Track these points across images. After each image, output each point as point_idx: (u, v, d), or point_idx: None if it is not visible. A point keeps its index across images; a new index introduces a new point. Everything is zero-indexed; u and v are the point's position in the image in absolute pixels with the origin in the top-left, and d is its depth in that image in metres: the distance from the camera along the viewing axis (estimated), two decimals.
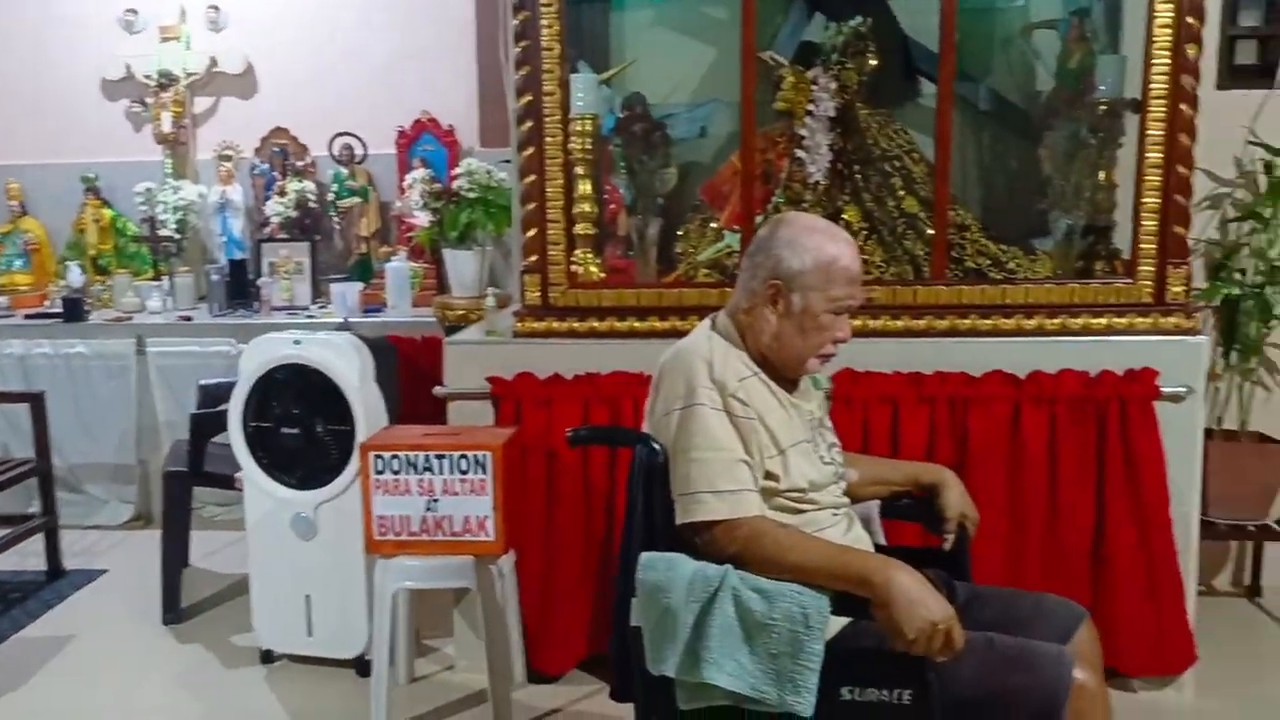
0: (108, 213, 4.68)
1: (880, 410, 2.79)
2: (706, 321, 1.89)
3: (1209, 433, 3.26)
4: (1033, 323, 2.75)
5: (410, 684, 2.92)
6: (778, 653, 1.62)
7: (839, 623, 1.71)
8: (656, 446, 1.77)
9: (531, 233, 2.87)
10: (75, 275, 4.41)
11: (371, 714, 2.62)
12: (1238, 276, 3.19)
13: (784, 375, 1.85)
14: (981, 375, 2.75)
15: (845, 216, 3.03)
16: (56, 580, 3.82)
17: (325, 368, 2.78)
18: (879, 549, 2.06)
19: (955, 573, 2.01)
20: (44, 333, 4.26)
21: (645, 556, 1.72)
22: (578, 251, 3.00)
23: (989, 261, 2.94)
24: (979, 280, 2.84)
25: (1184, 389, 2.68)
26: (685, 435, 1.72)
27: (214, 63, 4.59)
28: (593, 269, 3.02)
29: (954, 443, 2.79)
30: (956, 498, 2.01)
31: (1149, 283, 2.71)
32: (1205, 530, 3.17)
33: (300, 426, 2.82)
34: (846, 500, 1.92)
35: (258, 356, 2.85)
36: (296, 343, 2.83)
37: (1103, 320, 2.73)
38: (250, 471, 2.88)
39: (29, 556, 3.83)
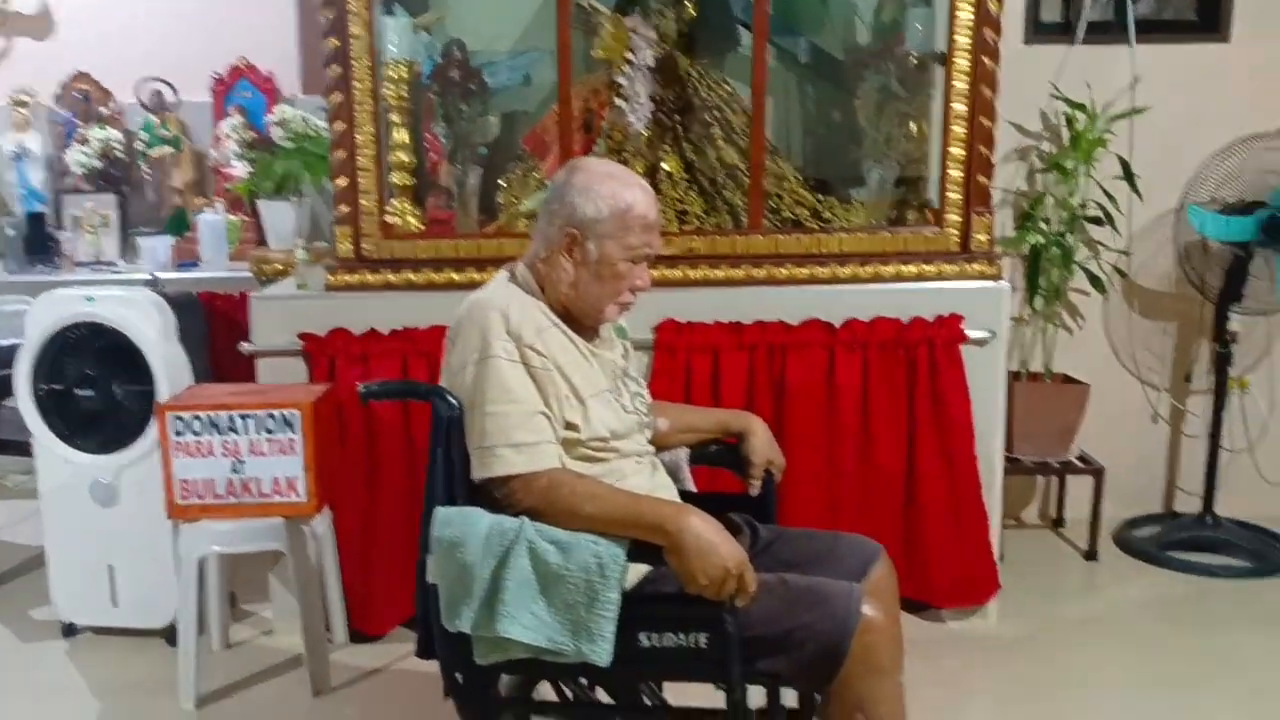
0: None
1: (701, 359, 2.82)
2: (504, 272, 1.86)
3: (1015, 375, 3.42)
4: (847, 271, 2.81)
5: (226, 650, 2.82)
6: (574, 603, 1.61)
7: (639, 571, 1.72)
8: (453, 400, 1.73)
9: (343, 182, 2.76)
10: None
11: (180, 683, 2.52)
12: (1043, 225, 3.32)
13: (584, 324, 1.83)
14: (799, 323, 2.80)
15: (666, 166, 3.03)
16: None
17: (121, 326, 2.63)
18: (688, 496, 2.08)
19: (762, 516, 2.04)
20: None
21: (440, 512, 1.69)
22: (395, 202, 2.92)
23: (807, 211, 2.98)
24: (796, 230, 2.88)
25: (987, 333, 2.79)
26: (481, 388, 1.69)
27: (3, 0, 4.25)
28: (411, 220, 2.93)
29: (772, 389, 2.84)
30: (763, 444, 2.04)
31: (955, 231, 2.80)
32: (1012, 467, 3.34)
33: (96, 388, 2.67)
34: (650, 449, 1.92)
35: (46, 315, 2.67)
36: (89, 300, 2.66)
37: (913, 268, 2.81)
38: (41, 436, 2.71)
39: None
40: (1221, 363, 3.31)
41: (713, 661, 1.65)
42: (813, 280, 2.81)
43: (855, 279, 2.81)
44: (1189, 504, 3.55)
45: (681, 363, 2.82)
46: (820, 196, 3.04)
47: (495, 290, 1.79)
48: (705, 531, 1.58)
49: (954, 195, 2.76)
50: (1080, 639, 2.88)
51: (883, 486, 2.88)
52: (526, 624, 1.62)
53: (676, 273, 2.82)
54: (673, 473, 2.10)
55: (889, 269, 2.81)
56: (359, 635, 2.86)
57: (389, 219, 2.88)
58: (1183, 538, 3.40)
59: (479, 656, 1.68)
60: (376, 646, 2.83)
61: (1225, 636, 2.87)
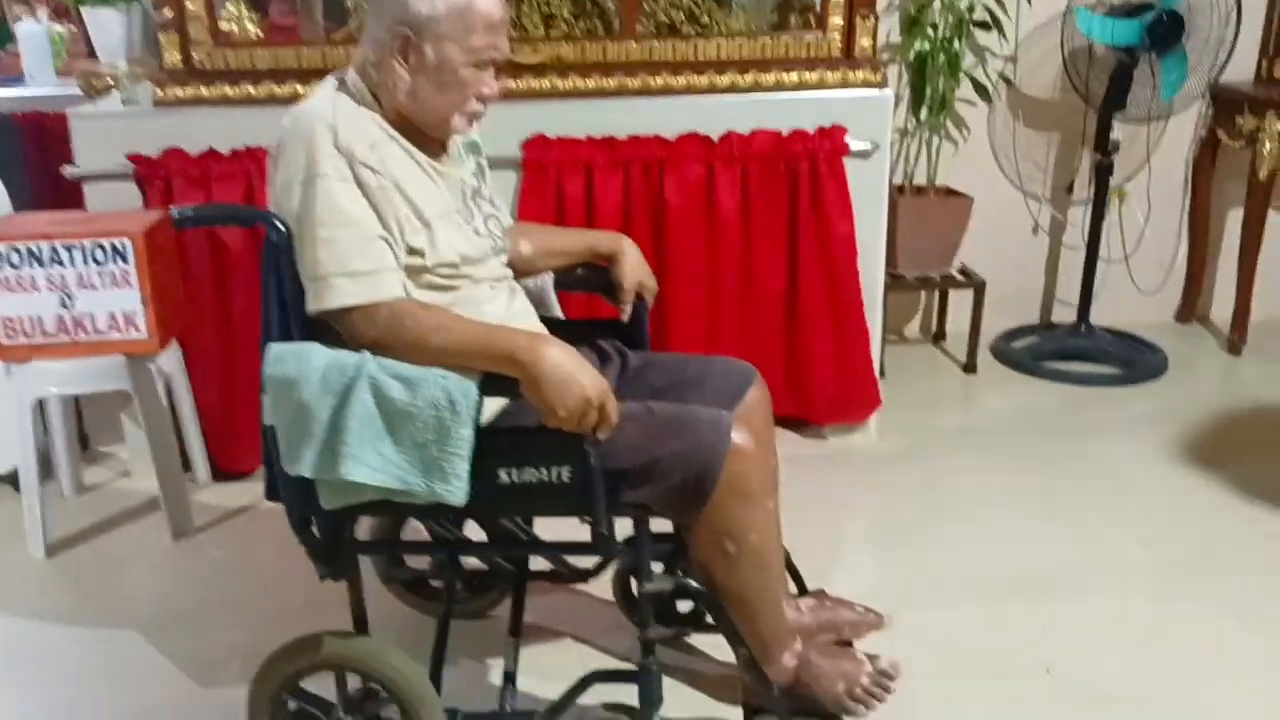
0: None
1: (573, 177, 2.66)
2: (331, 79, 1.65)
3: (900, 188, 3.35)
4: (725, 80, 2.66)
5: (80, 494, 2.69)
6: (424, 441, 1.51)
7: (496, 404, 1.62)
8: (281, 225, 1.56)
9: None
10: None
11: (27, 530, 2.38)
12: (929, 32, 3.18)
13: (428, 138, 1.66)
14: (676, 137, 2.65)
15: None
16: None
17: None
18: (555, 323, 1.97)
19: (633, 342, 1.95)
20: None
21: (273, 349, 1.54)
22: (230, 6, 2.62)
23: (683, 16, 2.77)
24: (672, 36, 2.69)
25: (870, 145, 2.69)
26: (310, 211, 1.51)
27: None
28: (249, 25, 2.65)
29: (651, 208, 2.71)
30: (633, 266, 1.92)
31: (838, 36, 2.65)
32: (894, 283, 3.30)
33: None
34: (508, 273, 1.79)
35: None
36: None
37: (794, 76, 2.66)
38: None
39: None
40: (1103, 173, 3.28)
41: (576, 495, 1.58)
42: (689, 90, 2.65)
43: (734, 89, 2.65)
44: (1067, 315, 3.58)
45: (552, 181, 2.66)
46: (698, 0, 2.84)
47: (321, 100, 1.59)
48: (562, 361, 1.47)
49: None
50: (957, 450, 2.92)
51: (764, 305, 2.82)
52: (373, 465, 1.51)
53: (544, 83, 2.63)
54: (538, 299, 1.98)
55: (769, 77, 2.66)
56: (224, 474, 2.74)
57: (224, 25, 2.60)
58: (1058, 348, 3.45)
59: (325, 501, 1.57)
60: (242, 485, 2.72)
61: (1093, 442, 2.94)
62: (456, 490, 1.52)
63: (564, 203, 2.67)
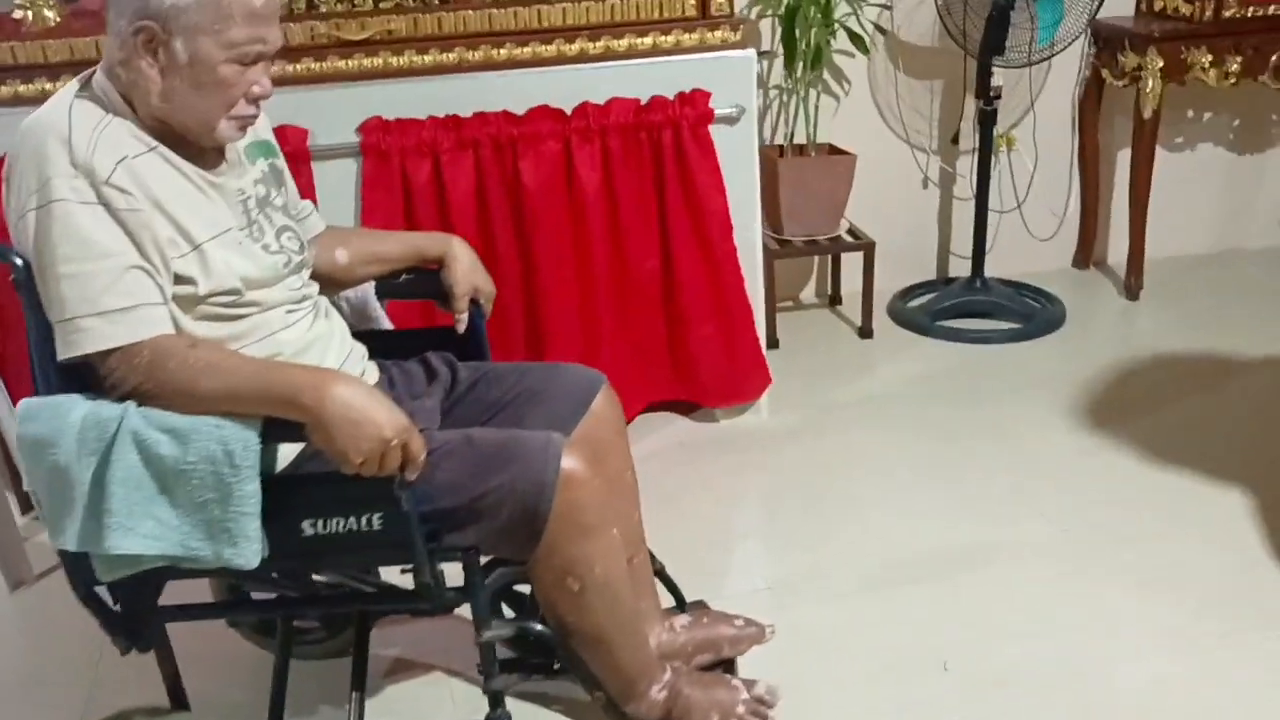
0: None
1: (419, 163, 2.44)
2: (74, 83, 1.41)
3: (780, 150, 3.18)
4: (574, 48, 2.45)
5: None
6: (204, 501, 1.31)
7: (291, 450, 1.42)
8: (19, 260, 1.34)
9: None
10: None
11: None
12: None
13: (199, 146, 1.44)
14: (526, 112, 2.44)
15: None
16: None
17: None
18: (381, 336, 1.78)
19: (471, 353, 1.76)
20: None
21: (24, 405, 1.33)
22: None
23: None
24: (512, 3, 2.47)
25: (736, 108, 2.51)
26: (48, 244, 1.29)
27: None
28: (47, 13, 2.37)
29: (508, 192, 2.50)
30: (466, 270, 1.73)
31: None
32: (781, 249, 3.15)
33: None
34: (312, 291, 1.58)
35: None
36: None
37: (648, 40, 2.46)
38: None
39: None
40: (987, 120, 3.14)
41: (392, 544, 1.40)
42: (536, 61, 2.44)
43: (584, 56, 2.45)
44: (965, 269, 3.46)
45: (396, 168, 2.44)
46: None
47: (55, 109, 1.35)
48: (352, 399, 1.28)
49: None
50: (852, 423, 2.79)
51: (640, 287, 2.64)
52: (148, 533, 1.31)
53: (376, 61, 2.40)
54: (359, 312, 1.78)
55: (621, 43, 2.46)
56: None
57: (17, 13, 2.33)
58: (953, 304, 3.33)
59: (100, 573, 1.37)
60: None
61: (992, 406, 2.82)
62: (246, 553, 1.33)
63: (411, 192, 2.45)
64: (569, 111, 2.44)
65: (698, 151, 2.51)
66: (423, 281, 1.76)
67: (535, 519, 1.40)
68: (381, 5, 2.43)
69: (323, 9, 2.40)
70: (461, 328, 1.75)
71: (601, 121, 2.45)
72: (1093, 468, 2.51)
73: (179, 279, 1.37)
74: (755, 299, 2.71)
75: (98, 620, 1.47)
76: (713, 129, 2.51)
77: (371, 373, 1.64)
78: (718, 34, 2.46)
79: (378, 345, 1.73)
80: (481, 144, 2.44)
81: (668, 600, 1.89)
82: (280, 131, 2.36)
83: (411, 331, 1.81)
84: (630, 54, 2.46)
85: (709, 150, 2.52)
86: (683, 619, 1.82)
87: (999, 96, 3.10)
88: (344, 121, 2.39)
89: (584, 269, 2.58)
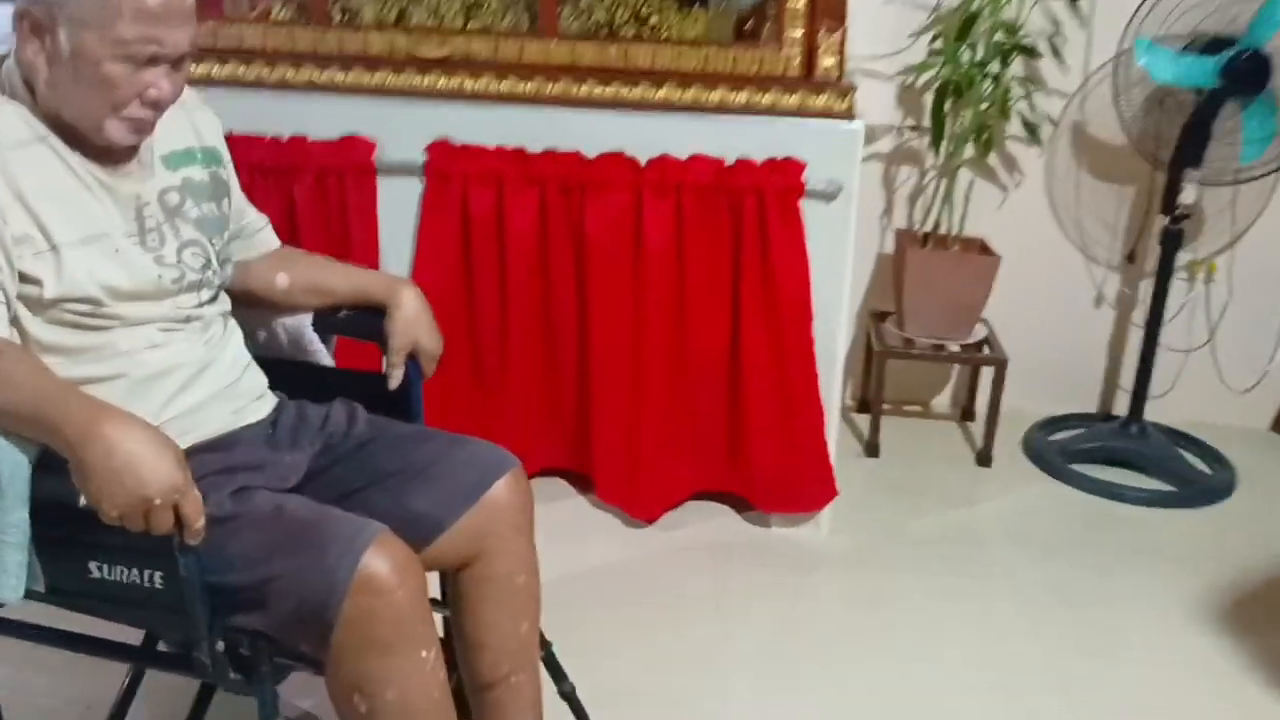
0: None
1: (482, 192, 2.31)
2: None
3: (923, 238, 2.84)
4: (659, 94, 2.24)
5: None
6: None
7: None
8: None
9: None
10: None
11: None
12: (967, 53, 2.64)
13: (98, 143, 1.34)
14: (597, 156, 2.25)
15: None
16: None
17: None
18: (315, 371, 1.64)
19: (399, 412, 1.59)
20: None
21: None
22: None
23: (628, 15, 2.36)
24: (608, 39, 2.28)
25: (832, 184, 2.22)
26: None
27: None
28: None
29: (571, 238, 2.33)
30: (407, 322, 1.56)
31: (797, 52, 2.18)
32: (899, 348, 2.80)
33: None
34: (206, 313, 1.44)
35: None
36: None
37: (741, 95, 2.22)
38: None
39: None
40: (1170, 241, 2.65)
41: (170, 609, 1.24)
42: (617, 102, 2.25)
43: (668, 104, 2.23)
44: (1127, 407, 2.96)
45: (457, 194, 2.32)
46: None
47: None
48: (120, 446, 1.12)
49: (794, 2, 2.13)
50: (924, 564, 2.40)
51: (700, 365, 2.39)
52: None
53: (453, 82, 2.29)
54: (294, 342, 1.65)
55: (713, 95, 2.22)
56: None
57: None
58: (1098, 447, 2.84)
59: None
60: None
61: (1099, 579, 2.35)
62: (8, 586, 1.20)
63: (470, 220, 2.32)
64: (644, 162, 2.24)
65: (782, 226, 2.24)
66: (362, 322, 1.61)
67: (321, 621, 1.20)
68: (469, 26, 2.32)
69: (412, 22, 2.32)
70: (393, 384, 1.58)
71: (678, 178, 2.23)
72: (1224, 690, 2.01)
73: (25, 278, 1.27)
74: (830, 400, 2.39)
75: None
76: (803, 204, 2.23)
77: (262, 409, 1.49)
78: (821, 99, 2.18)
79: (299, 380, 1.60)
80: (548, 182, 2.28)
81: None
82: (348, 142, 2.31)
83: (340, 371, 1.65)
84: (720, 108, 2.22)
85: (795, 226, 2.24)
86: None
87: (1187, 215, 2.62)
88: (413, 139, 2.30)
89: (642, 333, 2.36)
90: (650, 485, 2.48)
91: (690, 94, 2.22)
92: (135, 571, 1.24)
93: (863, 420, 3.01)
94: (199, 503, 1.16)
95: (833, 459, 2.43)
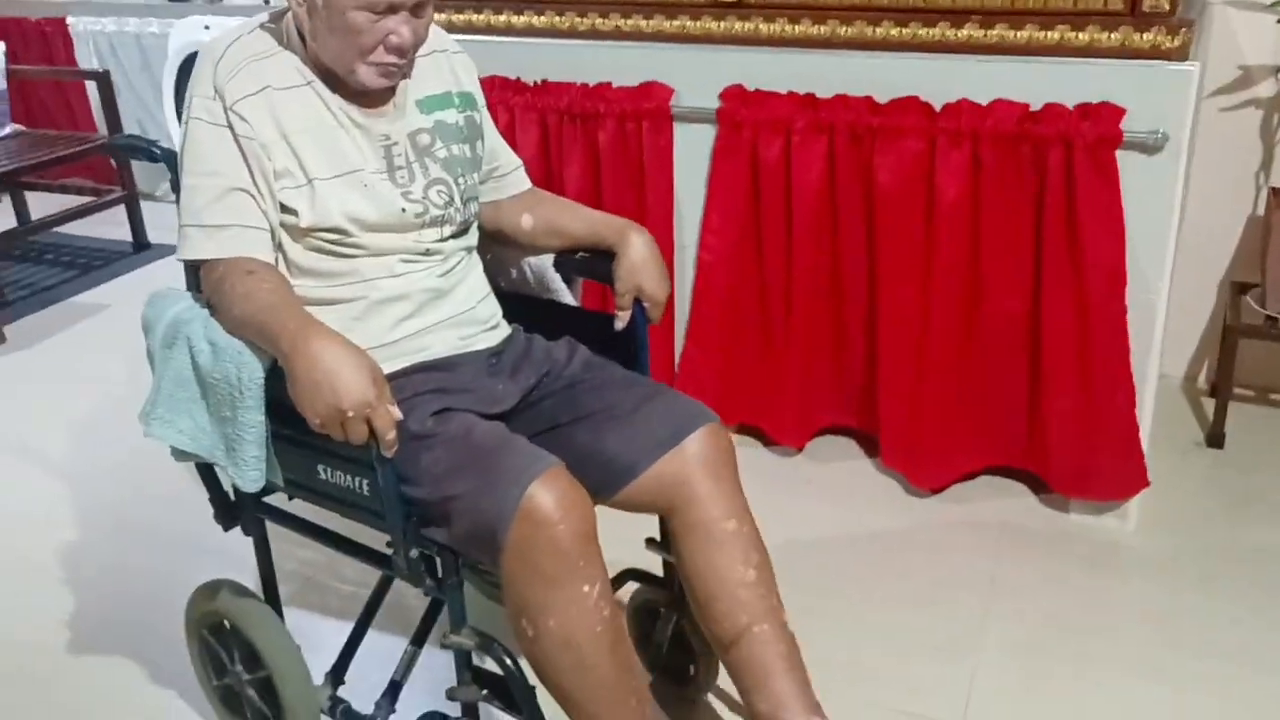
0: None
1: (770, 139, 2.28)
2: (266, 13, 1.53)
3: (1276, 192, 2.41)
4: (961, 34, 2.07)
5: None
6: (223, 416, 1.39)
7: None
8: (158, 151, 1.52)
9: None
10: None
11: None
12: None
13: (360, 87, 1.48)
14: (889, 101, 2.13)
15: None
16: (142, 251, 4.17)
17: None
18: (558, 310, 1.71)
19: (623, 355, 1.62)
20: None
21: (155, 292, 1.52)
22: None
23: None
24: None
25: (1157, 134, 1.94)
26: (182, 154, 1.44)
27: None
28: None
29: (858, 183, 2.24)
30: (633, 266, 1.58)
31: None
32: (1259, 327, 2.42)
33: None
34: (446, 248, 1.54)
35: None
36: None
37: (1053, 34, 1.99)
38: None
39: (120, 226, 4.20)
40: None
41: (376, 514, 1.37)
42: (914, 44, 2.11)
43: (970, 45, 2.05)
44: None
45: (747, 143, 2.30)
46: None
47: (229, 34, 1.47)
48: (322, 359, 1.25)
49: None
50: (1244, 582, 2.05)
51: (994, 331, 2.22)
52: (183, 429, 1.44)
53: (749, 25, 2.26)
54: (538, 281, 1.73)
55: (1020, 34, 2.01)
56: None
57: None
58: None
59: (174, 456, 1.52)
60: None
61: None
62: (247, 476, 1.39)
63: (759, 168, 2.30)
64: (938, 107, 2.09)
65: (1095, 180, 2.00)
66: (595, 264, 1.65)
67: (492, 544, 1.27)
68: None
69: None
70: (619, 324, 1.61)
71: (976, 124, 2.06)
72: None
73: (285, 208, 1.43)
74: (1144, 378, 2.12)
75: (209, 494, 1.64)
76: (1120, 155, 1.97)
77: (493, 339, 1.58)
78: (1147, 37, 1.90)
79: (539, 316, 1.68)
80: (837, 130, 2.19)
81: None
82: (646, 88, 2.36)
83: (577, 310, 1.70)
84: (1029, 49, 2.02)
85: (1111, 180, 1.99)
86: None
87: None
88: (708, 85, 2.30)
89: (931, 292, 2.22)
90: (935, 454, 2.34)
91: (995, 33, 2.03)
92: (349, 477, 1.38)
93: (1211, 405, 2.63)
94: (389, 418, 1.26)
95: (1146, 444, 2.16)
